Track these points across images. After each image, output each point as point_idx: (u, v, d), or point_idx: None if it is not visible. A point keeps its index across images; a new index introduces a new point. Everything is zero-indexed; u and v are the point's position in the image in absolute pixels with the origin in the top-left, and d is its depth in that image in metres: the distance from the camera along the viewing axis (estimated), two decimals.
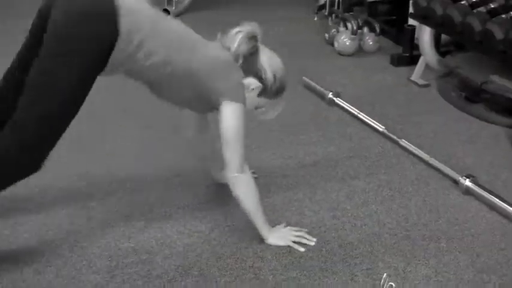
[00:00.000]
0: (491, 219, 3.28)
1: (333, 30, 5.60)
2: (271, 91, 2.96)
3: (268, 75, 2.92)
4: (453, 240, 3.11)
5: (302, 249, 3.00)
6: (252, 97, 2.94)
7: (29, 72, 2.61)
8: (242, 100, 2.84)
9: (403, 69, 5.11)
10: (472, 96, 4.49)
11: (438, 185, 3.56)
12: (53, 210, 3.26)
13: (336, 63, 5.28)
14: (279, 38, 5.65)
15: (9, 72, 2.85)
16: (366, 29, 5.52)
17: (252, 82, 2.91)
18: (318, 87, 4.60)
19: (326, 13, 6.20)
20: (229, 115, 2.81)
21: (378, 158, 3.84)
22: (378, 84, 4.89)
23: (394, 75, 5.05)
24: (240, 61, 2.88)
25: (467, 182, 3.45)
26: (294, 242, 3.03)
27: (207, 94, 2.84)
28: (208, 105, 2.92)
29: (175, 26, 2.86)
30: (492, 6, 4.47)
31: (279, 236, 3.05)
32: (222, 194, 3.37)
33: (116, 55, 2.62)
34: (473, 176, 3.48)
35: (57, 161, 3.52)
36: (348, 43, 5.42)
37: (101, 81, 2.72)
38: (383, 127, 4.07)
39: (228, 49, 2.88)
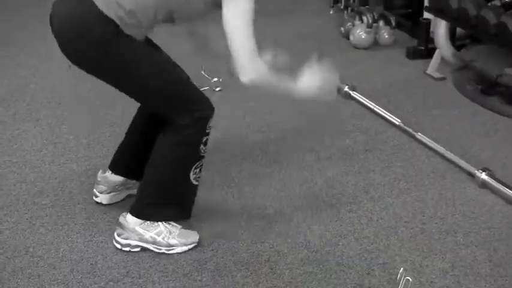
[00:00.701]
0: (508, 212, 3.23)
1: (349, 23, 5.56)
2: None
3: None
4: (470, 234, 3.06)
5: (334, 97, 2.97)
6: None
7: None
8: None
9: (418, 63, 5.06)
10: (487, 89, 4.44)
11: (454, 179, 3.51)
12: (68, 205, 3.24)
13: (352, 57, 5.24)
14: (295, 31, 5.71)
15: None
16: (381, 23, 5.48)
17: None
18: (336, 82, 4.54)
19: (342, 6, 6.17)
20: (231, 8, 2.59)
21: (393, 152, 3.79)
22: (394, 78, 4.84)
23: (410, 69, 5.01)
24: None
25: (484, 176, 3.40)
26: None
27: None
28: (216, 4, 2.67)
29: None
30: None
31: (308, 85, 2.82)
32: (237, 189, 3.34)
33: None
34: (489, 170, 3.43)
35: (72, 155, 3.52)
36: (363, 36, 5.39)
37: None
38: (399, 120, 4.02)
39: None
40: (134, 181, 3.17)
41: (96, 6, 2.56)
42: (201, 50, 3.11)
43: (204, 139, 2.80)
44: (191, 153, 2.80)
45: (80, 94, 4.40)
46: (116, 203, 3.23)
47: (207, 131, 2.79)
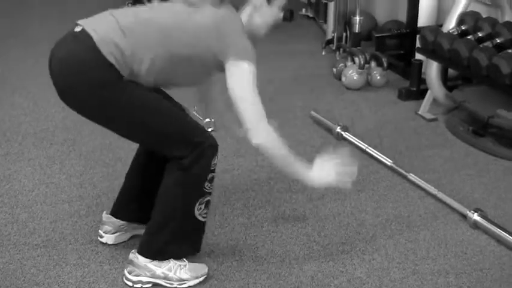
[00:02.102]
0: (500, 253, 3.25)
1: (341, 64, 5.59)
2: None
3: None
4: (462, 275, 3.08)
5: (350, 186, 3.00)
6: (266, 11, 2.87)
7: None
8: (247, 56, 2.72)
9: (410, 104, 5.09)
10: (479, 130, 4.47)
11: (446, 219, 3.53)
12: (60, 245, 3.24)
13: (344, 98, 5.26)
14: (287, 72, 5.75)
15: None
16: (373, 64, 5.51)
17: (254, 2, 2.84)
18: (326, 121, 4.58)
19: (334, 47, 6.20)
20: (237, 76, 2.71)
21: (386, 192, 3.81)
22: (386, 118, 4.86)
23: (402, 109, 5.03)
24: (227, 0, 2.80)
25: (476, 216, 3.42)
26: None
27: (212, 60, 2.76)
28: (219, 68, 2.80)
29: (143, 19, 2.77)
30: (498, 41, 4.48)
31: (323, 176, 2.94)
32: (230, 228, 3.35)
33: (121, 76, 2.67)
34: (481, 210, 3.45)
35: (64, 196, 3.52)
36: (355, 77, 5.40)
37: None
38: (391, 161, 4.04)
39: (210, 2, 2.79)
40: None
41: (98, 50, 2.62)
42: (203, 104, 3.28)
43: (209, 176, 2.83)
44: (194, 190, 2.83)
45: (72, 135, 4.41)
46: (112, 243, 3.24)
47: (211, 168, 2.81)
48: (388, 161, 4.06)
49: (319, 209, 3.61)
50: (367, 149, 4.24)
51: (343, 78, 5.46)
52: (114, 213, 3.19)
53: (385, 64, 5.44)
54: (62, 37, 2.78)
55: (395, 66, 5.65)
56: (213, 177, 2.85)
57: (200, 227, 2.94)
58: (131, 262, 2.90)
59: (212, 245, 3.26)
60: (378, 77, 5.46)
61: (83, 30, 2.68)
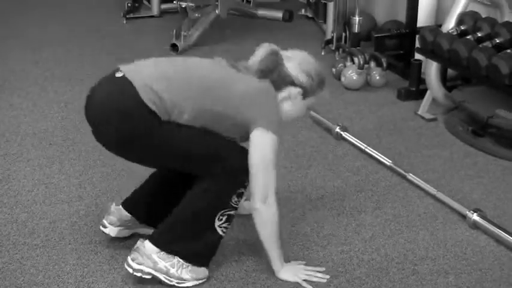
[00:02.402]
0: (499, 253, 3.25)
1: (340, 64, 5.58)
2: (313, 89, 3.02)
3: (302, 77, 2.96)
4: (461, 275, 3.08)
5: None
6: (298, 103, 3.01)
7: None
8: (274, 130, 2.84)
9: (410, 104, 5.09)
10: (478, 130, 4.47)
11: (446, 219, 3.53)
12: (59, 245, 3.24)
13: (343, 98, 5.25)
14: None
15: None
16: (372, 64, 5.51)
17: (292, 91, 2.96)
18: (326, 121, 4.58)
19: (333, 48, 6.18)
20: (259, 143, 2.84)
21: (385, 192, 3.81)
22: (385, 118, 4.86)
23: (401, 109, 5.03)
24: (270, 77, 2.92)
25: (475, 216, 3.42)
26: (305, 280, 3.02)
27: (242, 125, 2.87)
28: (244, 136, 2.93)
29: (186, 70, 2.92)
30: (498, 41, 4.48)
31: (290, 272, 3.02)
32: (229, 229, 3.35)
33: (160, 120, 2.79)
34: (480, 210, 3.45)
35: (64, 196, 3.52)
36: (354, 77, 5.39)
37: None
38: (390, 161, 4.05)
39: (254, 72, 2.92)
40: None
41: (140, 98, 2.74)
42: None
43: (239, 191, 2.90)
44: (220, 199, 2.89)
45: (71, 135, 4.42)
46: (112, 243, 3.24)
47: (245, 183, 2.88)
48: (388, 161, 4.07)
49: (318, 209, 3.61)
50: (366, 149, 4.25)
51: (342, 78, 5.45)
52: (126, 206, 3.20)
53: (384, 64, 5.43)
54: (102, 79, 2.90)
55: (395, 67, 5.64)
56: (242, 193, 2.92)
57: (215, 239, 2.97)
58: (137, 249, 2.91)
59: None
60: (377, 77, 5.45)
61: (124, 77, 2.80)
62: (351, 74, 5.42)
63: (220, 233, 2.94)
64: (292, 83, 2.95)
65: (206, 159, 2.85)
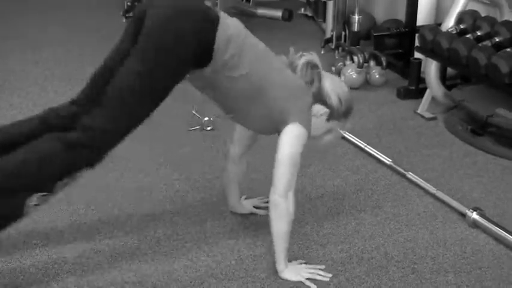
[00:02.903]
0: (499, 252, 3.26)
1: (340, 63, 5.58)
2: (339, 114, 3.04)
3: (334, 99, 2.99)
4: (461, 274, 3.09)
5: (314, 286, 2.98)
6: (320, 122, 3.03)
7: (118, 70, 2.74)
8: (307, 126, 2.90)
9: (409, 103, 5.09)
10: (478, 129, 4.47)
11: (445, 218, 3.54)
12: (59, 244, 3.25)
13: None
14: None
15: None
16: (372, 63, 5.51)
17: (319, 108, 2.99)
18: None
19: (333, 46, 6.20)
20: (291, 137, 2.87)
21: (385, 191, 3.82)
22: (385, 117, 4.87)
23: (401, 108, 5.03)
24: (311, 89, 2.98)
25: (475, 215, 3.43)
26: (307, 278, 3.02)
27: (277, 113, 2.90)
28: (273, 126, 2.96)
29: (257, 43, 2.96)
30: (497, 40, 4.49)
31: (293, 272, 3.02)
32: (229, 228, 3.38)
33: (206, 63, 2.78)
34: (480, 209, 3.46)
35: (63, 194, 3.51)
36: (354, 76, 5.40)
37: None
38: (390, 160, 4.05)
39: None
40: None
41: (215, 26, 2.76)
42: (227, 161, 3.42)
43: (67, 176, 2.75)
44: (50, 171, 2.71)
45: None
46: (111, 242, 3.22)
47: (77, 170, 2.77)
48: (387, 160, 4.07)
49: (317, 208, 3.62)
50: (365, 148, 4.25)
51: (341, 77, 5.43)
52: None
53: (384, 63, 5.43)
54: None
55: (394, 65, 5.64)
56: (67, 183, 2.79)
57: (14, 207, 2.74)
58: None
59: (211, 244, 3.27)
60: (377, 76, 5.46)
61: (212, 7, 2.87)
62: (351, 73, 5.43)
63: (24, 208, 2.72)
64: (323, 101, 2.99)
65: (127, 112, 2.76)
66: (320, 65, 3.00)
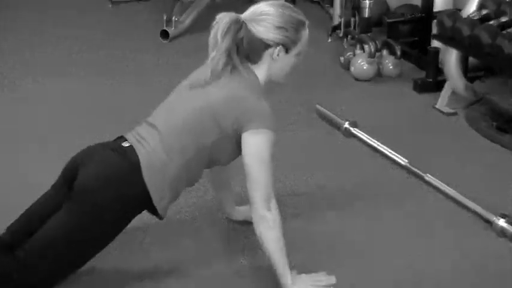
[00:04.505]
0: None
1: (349, 53, 5.57)
2: (292, 39, 2.97)
3: (274, 35, 2.92)
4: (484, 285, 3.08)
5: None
6: (284, 60, 2.99)
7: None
8: (266, 124, 2.87)
9: (427, 96, 5.06)
10: (503, 125, 4.44)
11: (469, 226, 3.48)
12: None
13: (353, 90, 5.24)
14: None
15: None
16: (385, 52, 5.49)
17: (270, 53, 2.94)
18: (333, 116, 4.54)
19: (341, 34, 6.15)
20: (253, 144, 2.87)
21: (400, 196, 3.77)
22: (399, 113, 4.84)
23: (418, 103, 5.01)
24: (240, 56, 2.93)
25: (503, 223, 3.37)
26: None
27: (232, 136, 2.92)
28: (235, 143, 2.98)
29: (176, 121, 2.95)
30: None
31: (300, 284, 2.98)
32: (225, 236, 3.40)
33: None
34: (508, 216, 3.39)
35: None
36: (365, 67, 5.38)
37: None
38: (406, 160, 4.00)
39: (220, 69, 2.92)
40: None
41: (141, 177, 2.87)
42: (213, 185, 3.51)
43: None
44: None
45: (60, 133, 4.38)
46: None
47: None
48: (403, 160, 4.02)
49: (325, 215, 3.59)
50: (378, 147, 4.21)
51: (351, 68, 5.44)
52: None
53: (398, 52, 5.41)
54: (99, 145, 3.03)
55: (410, 55, 5.60)
56: None
57: None
58: None
59: (207, 254, 3.25)
60: (391, 67, 5.44)
61: (132, 148, 2.91)
62: (361, 64, 5.40)
63: None
64: (267, 47, 2.93)
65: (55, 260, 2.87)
66: (239, 17, 2.92)
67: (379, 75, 5.44)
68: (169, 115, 2.97)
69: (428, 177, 3.85)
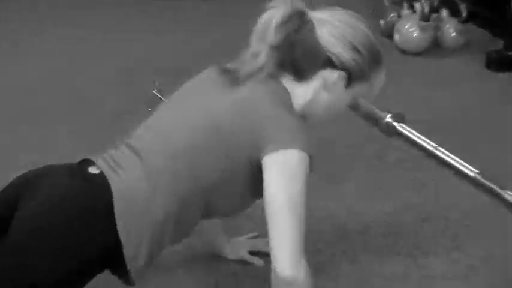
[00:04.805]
0: None
1: (392, 14, 5.61)
2: (363, 69, 2.90)
3: (345, 51, 2.85)
4: None
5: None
6: (339, 93, 2.91)
7: None
8: (291, 141, 2.76)
9: (505, 77, 5.10)
10: None
11: None
12: None
13: (397, 67, 5.19)
14: None
15: None
16: (444, 12, 5.50)
17: (326, 75, 2.85)
18: (369, 106, 4.45)
19: None
20: (274, 174, 2.75)
21: (466, 222, 3.77)
22: (466, 101, 4.85)
23: (491, 86, 5.03)
24: (287, 60, 2.86)
25: None
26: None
27: (250, 173, 2.82)
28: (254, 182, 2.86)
29: (171, 148, 2.89)
30: None
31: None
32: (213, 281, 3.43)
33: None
34: None
35: None
36: (415, 35, 5.42)
37: None
38: (475, 171, 3.92)
39: (254, 70, 2.87)
40: None
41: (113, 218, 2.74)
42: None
43: None
44: None
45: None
46: None
47: None
48: (472, 171, 3.95)
49: (357, 249, 3.58)
50: (435, 151, 4.14)
51: (396, 36, 5.50)
52: None
53: (463, 13, 5.42)
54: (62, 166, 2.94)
55: (481, 18, 5.61)
56: None
57: None
58: None
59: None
60: (453, 34, 5.50)
61: (102, 176, 2.82)
62: (410, 30, 5.44)
63: None
64: (328, 63, 2.84)
65: None
66: (305, 8, 2.85)
67: (435, 47, 5.49)
68: (158, 137, 2.91)
69: (509, 194, 3.77)
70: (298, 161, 2.72)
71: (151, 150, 2.85)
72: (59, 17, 7.02)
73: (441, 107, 4.75)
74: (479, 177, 3.87)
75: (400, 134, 4.22)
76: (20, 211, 2.77)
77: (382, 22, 5.63)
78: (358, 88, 2.93)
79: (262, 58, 2.84)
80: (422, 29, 5.38)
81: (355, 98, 3.00)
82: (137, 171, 2.80)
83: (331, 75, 2.84)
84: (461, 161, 4.00)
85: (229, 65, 2.96)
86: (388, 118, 4.25)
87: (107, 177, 2.77)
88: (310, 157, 2.73)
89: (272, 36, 2.81)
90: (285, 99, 2.86)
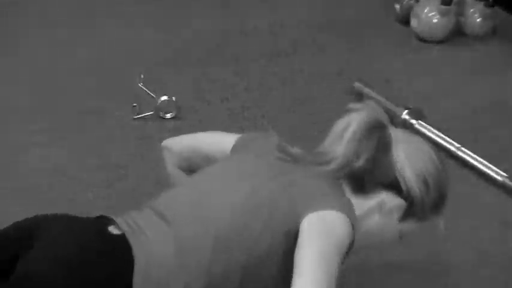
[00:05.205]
0: None
1: None
2: (424, 206, 2.80)
3: (414, 178, 2.75)
4: None
5: None
6: (390, 223, 2.84)
7: None
8: (333, 205, 2.65)
9: None
10: None
11: None
12: None
13: (416, 58, 5.15)
14: (322, 14, 5.75)
15: None
16: None
17: (386, 199, 2.78)
18: (383, 100, 4.32)
19: None
20: (307, 232, 2.63)
21: (498, 229, 3.63)
22: (493, 96, 4.71)
23: None
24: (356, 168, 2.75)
25: None
26: None
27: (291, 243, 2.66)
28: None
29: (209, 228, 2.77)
30: None
31: None
32: None
33: None
34: None
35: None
36: (435, 20, 5.28)
37: None
38: (504, 174, 3.82)
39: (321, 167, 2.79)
40: None
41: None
42: None
43: None
44: None
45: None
46: None
47: None
48: (500, 175, 3.83)
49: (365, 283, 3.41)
50: (458, 152, 4.04)
51: (413, 22, 5.38)
52: None
53: None
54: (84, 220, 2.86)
55: (509, 1, 5.50)
56: None
57: None
58: None
59: None
60: (478, 20, 5.36)
61: (124, 238, 2.73)
62: (430, 15, 5.31)
63: None
64: (394, 187, 2.75)
65: None
66: (386, 121, 2.82)
67: (458, 34, 5.36)
68: (197, 211, 2.78)
69: None
70: (336, 219, 2.63)
71: (185, 223, 2.75)
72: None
73: (463, 102, 4.62)
74: (508, 181, 3.80)
75: (418, 131, 4.18)
76: (32, 258, 2.65)
77: (397, 6, 5.55)
78: (409, 225, 2.85)
79: (333, 165, 2.75)
80: (443, 14, 5.26)
81: (400, 235, 2.87)
82: (166, 244, 2.71)
83: (392, 200, 2.77)
84: (488, 164, 3.94)
85: (293, 150, 2.86)
86: (405, 115, 4.27)
87: (129, 240, 2.69)
88: (351, 242, 2.65)
89: (348, 141, 2.74)
90: (340, 192, 2.79)
